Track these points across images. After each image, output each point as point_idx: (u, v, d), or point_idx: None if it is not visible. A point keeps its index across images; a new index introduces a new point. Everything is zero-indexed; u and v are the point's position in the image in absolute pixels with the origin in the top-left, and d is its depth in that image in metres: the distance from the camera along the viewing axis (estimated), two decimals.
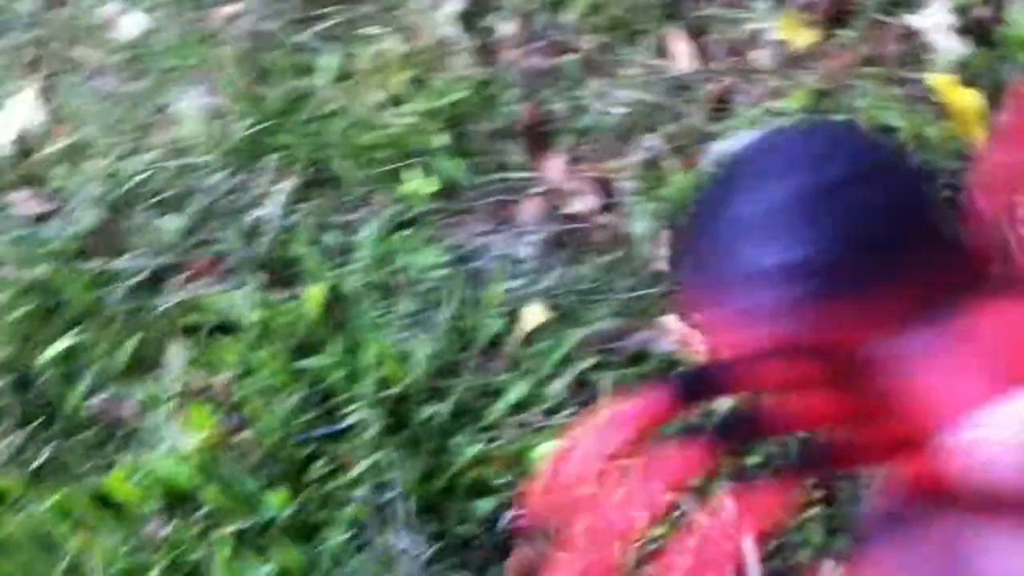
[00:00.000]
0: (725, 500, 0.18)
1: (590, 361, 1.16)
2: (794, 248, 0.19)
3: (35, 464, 1.12)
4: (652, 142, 1.40)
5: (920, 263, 0.20)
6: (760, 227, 0.19)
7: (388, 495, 1.06)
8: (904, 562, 0.17)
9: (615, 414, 0.19)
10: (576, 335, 1.18)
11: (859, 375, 0.20)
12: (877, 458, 0.17)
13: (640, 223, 1.31)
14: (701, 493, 0.89)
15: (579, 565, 0.18)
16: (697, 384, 0.18)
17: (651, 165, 1.39)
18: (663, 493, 0.17)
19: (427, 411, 1.13)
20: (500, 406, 1.14)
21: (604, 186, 1.40)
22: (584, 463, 0.18)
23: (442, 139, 1.37)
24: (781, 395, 0.18)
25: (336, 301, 1.26)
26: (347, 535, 1.04)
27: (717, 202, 0.20)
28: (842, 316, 0.19)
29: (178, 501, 1.07)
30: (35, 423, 1.15)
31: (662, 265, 1.31)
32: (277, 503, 1.04)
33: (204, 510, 1.05)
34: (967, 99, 1.27)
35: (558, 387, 1.14)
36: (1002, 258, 0.21)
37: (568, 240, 1.34)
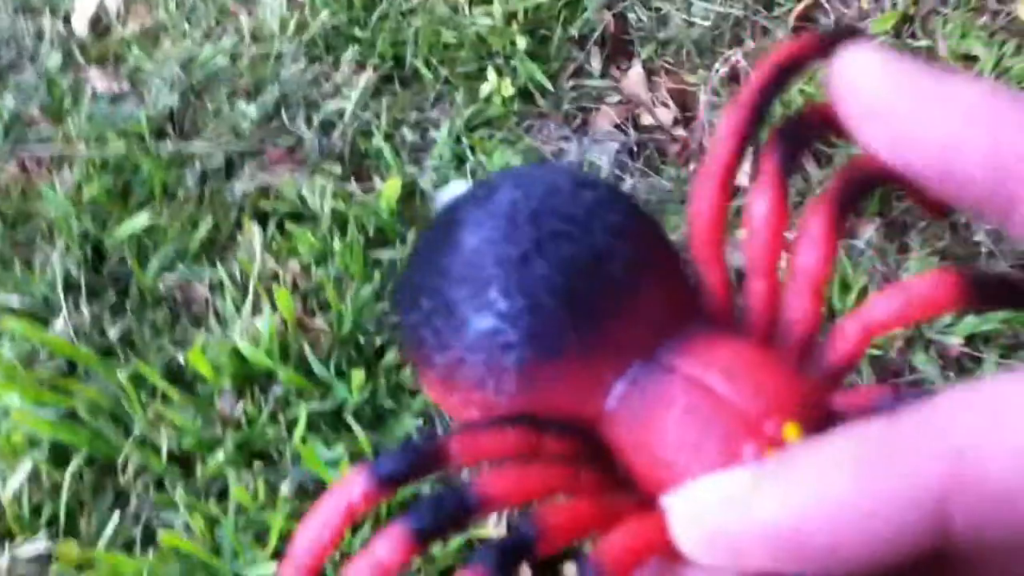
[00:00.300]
0: None
1: None
2: (502, 314, 0.18)
3: (108, 339, 1.12)
4: (734, 56, 1.38)
5: (638, 312, 0.19)
6: (469, 290, 0.18)
7: None
8: None
9: (313, 517, 0.19)
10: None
11: (590, 441, 0.19)
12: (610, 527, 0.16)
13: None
14: None
15: None
16: (405, 465, 0.17)
17: (731, 80, 1.37)
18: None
19: None
20: None
21: (682, 98, 1.38)
22: (312, 554, 0.19)
23: (522, 43, 1.35)
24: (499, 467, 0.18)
25: (410, 196, 1.25)
26: (416, 424, 1.04)
27: (431, 252, 0.20)
28: (559, 378, 0.18)
29: (250, 381, 1.07)
30: (108, 299, 1.15)
31: (741, 180, 1.29)
32: (350, 388, 1.04)
33: (277, 391, 1.06)
34: None
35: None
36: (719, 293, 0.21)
37: (644, 150, 1.33)
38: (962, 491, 0.16)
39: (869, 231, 1.25)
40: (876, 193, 1.26)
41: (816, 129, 0.22)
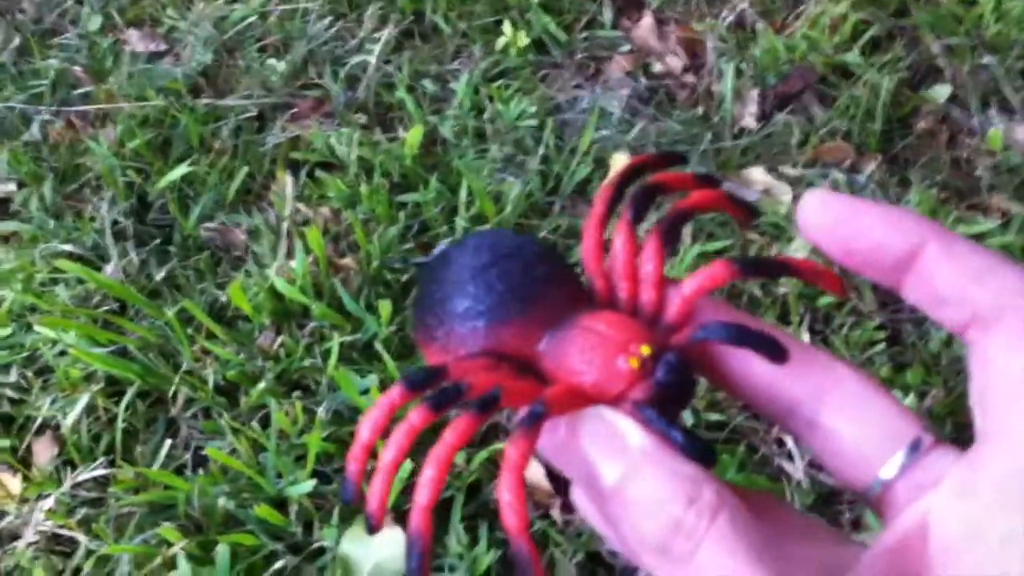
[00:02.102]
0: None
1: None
2: (473, 299, 0.32)
3: (154, 281, 1.20)
4: (741, 4, 1.43)
5: (553, 296, 0.34)
6: (453, 288, 0.33)
7: None
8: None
9: (368, 416, 0.32)
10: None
11: (534, 367, 0.33)
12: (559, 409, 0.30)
13: (727, 82, 1.36)
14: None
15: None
16: (424, 377, 0.31)
17: (737, 26, 1.43)
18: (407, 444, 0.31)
19: None
20: None
21: (691, 46, 1.44)
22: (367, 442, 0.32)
23: None
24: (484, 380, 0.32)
25: (433, 144, 1.32)
26: None
27: (431, 277, 0.35)
28: (510, 334, 0.32)
29: (287, 317, 1.15)
30: (153, 244, 1.23)
31: (747, 122, 1.35)
32: (379, 321, 1.11)
33: (312, 326, 1.13)
34: None
35: (641, 229, 1.20)
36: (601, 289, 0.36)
37: (655, 96, 1.39)
38: None
39: (871, 166, 1.31)
40: (877, 130, 1.32)
41: (650, 199, 0.36)
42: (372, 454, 0.32)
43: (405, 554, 0.30)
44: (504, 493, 0.29)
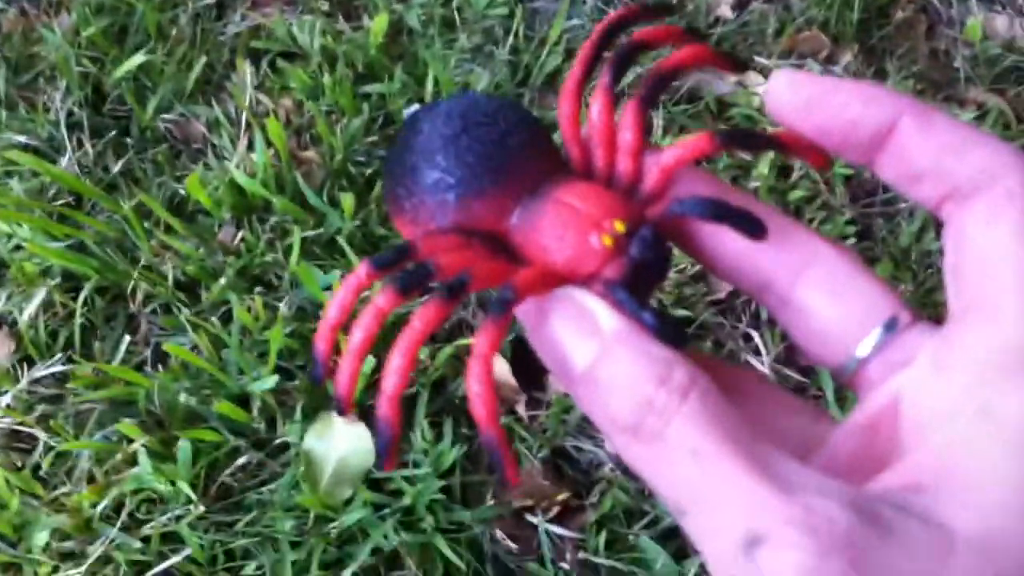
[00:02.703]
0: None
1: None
2: (442, 171, 0.31)
3: (111, 174, 1.17)
4: None
5: (527, 167, 0.32)
6: (422, 158, 0.31)
7: None
8: None
9: (335, 296, 0.31)
10: (631, 72, 1.20)
11: (506, 242, 0.32)
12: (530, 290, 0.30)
13: None
14: None
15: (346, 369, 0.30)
16: (390, 257, 0.29)
17: None
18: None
19: None
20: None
21: None
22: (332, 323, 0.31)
23: None
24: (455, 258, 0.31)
25: (398, 33, 1.28)
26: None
27: (402, 143, 0.32)
28: (481, 207, 0.29)
29: (248, 212, 1.12)
30: (110, 137, 1.20)
31: (723, 11, 1.32)
32: (342, 216, 1.09)
33: (273, 219, 1.11)
34: None
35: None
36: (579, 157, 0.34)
37: None
38: None
39: (847, 56, 1.28)
40: (854, 20, 1.29)
41: (631, 59, 0.34)
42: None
43: (374, 440, 0.30)
44: (473, 383, 0.29)
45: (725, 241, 0.32)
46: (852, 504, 0.25)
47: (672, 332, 0.28)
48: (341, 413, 0.31)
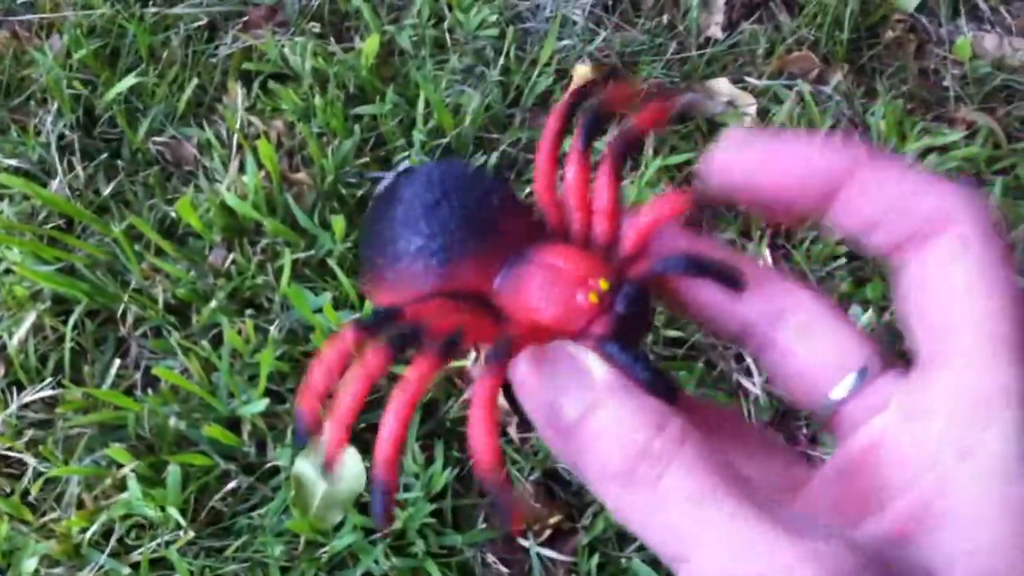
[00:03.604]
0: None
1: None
2: (427, 236, 0.32)
3: (102, 196, 1.17)
4: None
5: (507, 230, 0.33)
6: (404, 226, 0.32)
7: None
8: None
9: (319, 361, 0.30)
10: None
11: (490, 303, 0.33)
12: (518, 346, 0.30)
13: None
14: None
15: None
16: (377, 320, 0.29)
17: None
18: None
19: (475, 161, 1.17)
20: None
21: None
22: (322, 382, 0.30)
23: None
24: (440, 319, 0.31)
25: (390, 54, 1.29)
26: None
27: (379, 214, 0.34)
28: (466, 271, 0.32)
29: (239, 234, 1.12)
30: (100, 159, 1.20)
31: (713, 31, 1.32)
32: (333, 238, 1.09)
33: (264, 241, 1.11)
34: None
35: (601, 140, 1.18)
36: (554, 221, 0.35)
37: (619, 5, 1.36)
38: None
39: (837, 76, 1.28)
40: (844, 40, 1.30)
41: (603, 120, 0.35)
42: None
43: (371, 499, 0.30)
44: (476, 432, 0.29)
45: (705, 293, 0.32)
46: (857, 547, 0.25)
47: (665, 386, 0.29)
48: (326, 471, 0.31)
